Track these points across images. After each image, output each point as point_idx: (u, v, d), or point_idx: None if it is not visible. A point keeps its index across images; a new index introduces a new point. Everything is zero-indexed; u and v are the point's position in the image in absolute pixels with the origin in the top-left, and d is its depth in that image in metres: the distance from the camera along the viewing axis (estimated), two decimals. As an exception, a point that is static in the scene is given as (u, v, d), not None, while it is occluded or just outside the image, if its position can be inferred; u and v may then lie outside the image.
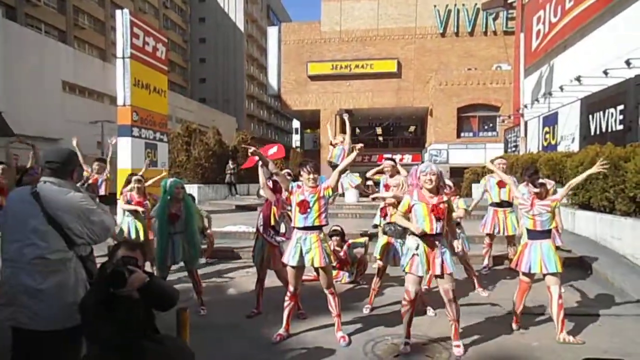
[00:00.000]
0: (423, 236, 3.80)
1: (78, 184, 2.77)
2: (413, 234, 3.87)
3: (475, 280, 5.63)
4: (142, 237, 6.17)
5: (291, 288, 4.22)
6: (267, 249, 4.81)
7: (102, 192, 7.47)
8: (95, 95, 28.07)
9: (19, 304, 2.31)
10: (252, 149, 4.57)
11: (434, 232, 3.79)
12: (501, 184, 6.43)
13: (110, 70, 18.81)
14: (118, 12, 11.08)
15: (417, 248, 3.81)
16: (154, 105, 12.03)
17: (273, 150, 5.33)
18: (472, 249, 6.18)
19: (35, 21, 31.09)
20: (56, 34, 32.50)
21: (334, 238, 6.24)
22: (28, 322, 2.31)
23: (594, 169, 4.49)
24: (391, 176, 6.00)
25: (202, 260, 7.33)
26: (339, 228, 6.48)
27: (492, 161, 6.58)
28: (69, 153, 2.61)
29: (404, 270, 3.93)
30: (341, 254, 6.18)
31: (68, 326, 2.38)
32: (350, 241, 6.46)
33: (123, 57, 10.84)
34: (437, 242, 3.81)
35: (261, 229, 4.85)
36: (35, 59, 22.37)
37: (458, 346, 3.81)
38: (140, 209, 6.19)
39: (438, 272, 3.76)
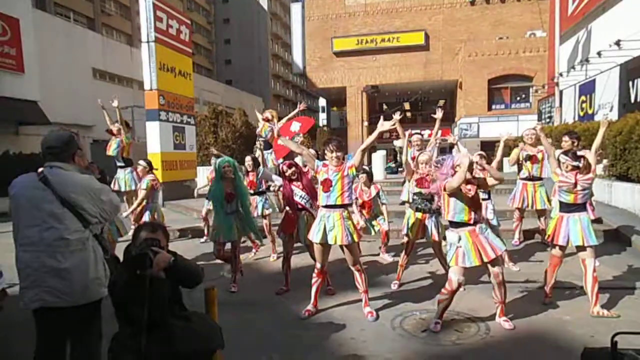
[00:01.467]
0: (462, 225, 3.74)
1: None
2: (453, 224, 3.80)
3: (506, 255, 5.52)
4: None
5: (318, 265, 4.27)
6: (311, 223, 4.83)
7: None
8: (124, 81, 28.62)
9: (44, 285, 2.42)
10: (275, 130, 4.62)
11: (472, 222, 3.72)
12: (534, 160, 6.20)
13: (137, 55, 19.06)
14: (141, -4, 11.16)
15: (459, 240, 3.73)
16: (179, 88, 12.18)
17: (295, 127, 5.06)
18: (503, 224, 6.03)
19: (64, 9, 31.74)
20: (84, 22, 33.13)
21: (361, 176, 6.04)
22: (55, 301, 2.43)
23: (603, 127, 4.27)
24: (419, 150, 5.92)
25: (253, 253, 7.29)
26: (367, 168, 6.33)
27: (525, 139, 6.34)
28: (68, 137, 2.65)
29: (449, 267, 3.85)
30: (366, 196, 6.05)
31: (92, 300, 2.52)
32: (379, 188, 6.16)
33: (148, 41, 10.97)
34: (478, 227, 3.73)
35: (308, 205, 4.80)
36: (66, 47, 22.91)
37: (507, 321, 3.81)
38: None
39: (492, 255, 3.67)
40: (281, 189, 4.97)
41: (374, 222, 6.09)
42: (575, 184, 4.03)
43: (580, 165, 4.01)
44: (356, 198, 6.01)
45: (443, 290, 3.83)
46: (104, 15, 35.85)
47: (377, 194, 6.06)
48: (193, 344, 2.20)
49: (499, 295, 3.79)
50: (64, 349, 2.59)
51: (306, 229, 4.72)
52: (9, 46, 15.79)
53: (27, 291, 2.45)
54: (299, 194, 4.79)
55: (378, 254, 6.38)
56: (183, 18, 12.62)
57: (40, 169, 2.55)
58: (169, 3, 12.28)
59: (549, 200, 6.04)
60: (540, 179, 6.22)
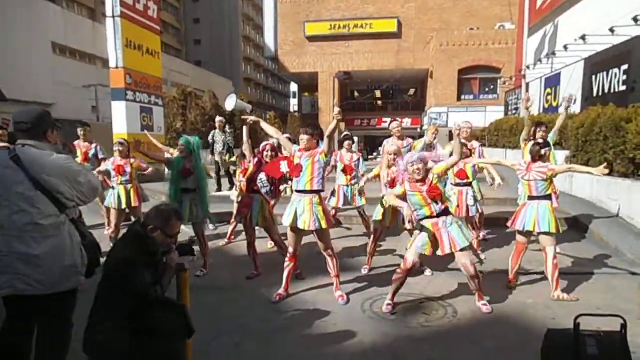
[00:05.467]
0: (426, 217, 3.81)
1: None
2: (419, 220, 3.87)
3: (475, 242, 5.64)
4: (124, 205, 6.00)
5: (290, 249, 4.27)
6: (266, 208, 4.95)
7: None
8: (87, 58, 27.40)
9: (15, 272, 2.26)
10: (249, 118, 4.60)
11: (435, 214, 3.78)
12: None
13: (101, 31, 18.24)
14: (106, -32, 10.61)
15: (422, 229, 3.83)
16: (147, 67, 11.75)
17: (284, 167, 4.78)
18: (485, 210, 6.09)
19: (22, -21, 29.85)
20: (44, -7, 31.30)
21: (345, 143, 6.40)
22: (26, 288, 2.28)
23: (596, 172, 4.00)
24: (400, 138, 5.94)
25: (211, 227, 7.20)
26: (349, 134, 6.59)
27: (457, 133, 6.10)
28: (39, 113, 2.46)
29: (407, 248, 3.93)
30: (347, 159, 6.31)
31: (65, 289, 2.38)
32: (360, 154, 6.57)
33: (113, 16, 10.49)
34: (441, 221, 3.79)
35: (263, 190, 4.80)
36: (24, 19, 21.66)
37: (485, 304, 3.91)
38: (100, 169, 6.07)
39: (447, 250, 3.75)
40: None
41: (351, 193, 6.24)
42: (527, 171, 4.25)
43: (542, 152, 4.23)
44: (335, 164, 6.30)
45: (397, 269, 3.93)
46: (64, -13, 33.97)
47: (358, 159, 6.36)
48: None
49: (473, 285, 3.89)
50: (31, 335, 2.47)
51: (261, 213, 4.80)
52: (-41, 15, 14.79)
53: None
54: (260, 177, 4.78)
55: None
56: (151, -7, 12.11)
57: (11, 147, 2.36)
58: (135, -23, 11.74)
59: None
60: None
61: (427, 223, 3.81)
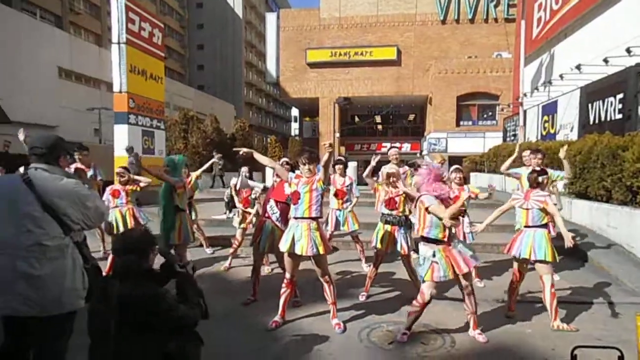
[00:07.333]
0: (436, 242, 3.79)
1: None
2: (426, 240, 3.85)
3: (473, 270, 5.60)
4: (122, 228, 5.81)
5: (288, 275, 4.24)
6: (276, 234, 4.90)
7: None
8: (92, 82, 27.85)
9: (15, 292, 2.27)
10: (242, 151, 4.65)
11: (446, 239, 3.78)
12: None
13: (106, 56, 18.63)
14: (113, -4, 10.94)
15: (434, 255, 3.78)
16: (150, 91, 11.95)
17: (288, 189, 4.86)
18: (478, 237, 6.09)
19: (31, 6, 30.65)
20: (52, 19, 32.09)
21: (337, 167, 6.39)
22: (25, 310, 2.28)
23: (566, 240, 4.10)
24: (398, 164, 5.98)
25: (209, 251, 7.33)
26: (342, 158, 6.64)
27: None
28: (54, 139, 2.57)
29: (423, 281, 3.87)
30: (339, 184, 6.33)
31: (65, 311, 2.38)
32: (353, 179, 6.56)
33: (119, 43, 10.75)
34: (451, 243, 3.80)
35: (274, 217, 4.81)
36: (31, 44, 22.14)
37: (480, 334, 3.87)
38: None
39: (465, 269, 3.74)
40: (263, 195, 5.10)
41: (344, 217, 6.24)
42: (526, 200, 4.26)
43: (540, 180, 4.27)
44: (328, 187, 6.23)
45: (414, 302, 3.87)
46: (72, 14, 34.82)
47: (351, 184, 6.36)
48: None
49: (469, 306, 3.87)
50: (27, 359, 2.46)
51: (270, 238, 4.77)
52: (-32, 40, 15.11)
53: None
54: (270, 204, 4.80)
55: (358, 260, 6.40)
56: (156, 21, 12.44)
57: (23, 170, 2.45)
58: (141, 5, 12.10)
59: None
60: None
61: (437, 248, 3.77)
